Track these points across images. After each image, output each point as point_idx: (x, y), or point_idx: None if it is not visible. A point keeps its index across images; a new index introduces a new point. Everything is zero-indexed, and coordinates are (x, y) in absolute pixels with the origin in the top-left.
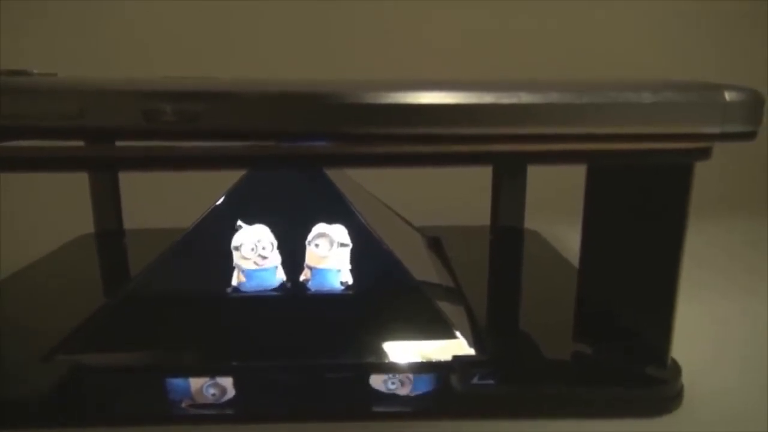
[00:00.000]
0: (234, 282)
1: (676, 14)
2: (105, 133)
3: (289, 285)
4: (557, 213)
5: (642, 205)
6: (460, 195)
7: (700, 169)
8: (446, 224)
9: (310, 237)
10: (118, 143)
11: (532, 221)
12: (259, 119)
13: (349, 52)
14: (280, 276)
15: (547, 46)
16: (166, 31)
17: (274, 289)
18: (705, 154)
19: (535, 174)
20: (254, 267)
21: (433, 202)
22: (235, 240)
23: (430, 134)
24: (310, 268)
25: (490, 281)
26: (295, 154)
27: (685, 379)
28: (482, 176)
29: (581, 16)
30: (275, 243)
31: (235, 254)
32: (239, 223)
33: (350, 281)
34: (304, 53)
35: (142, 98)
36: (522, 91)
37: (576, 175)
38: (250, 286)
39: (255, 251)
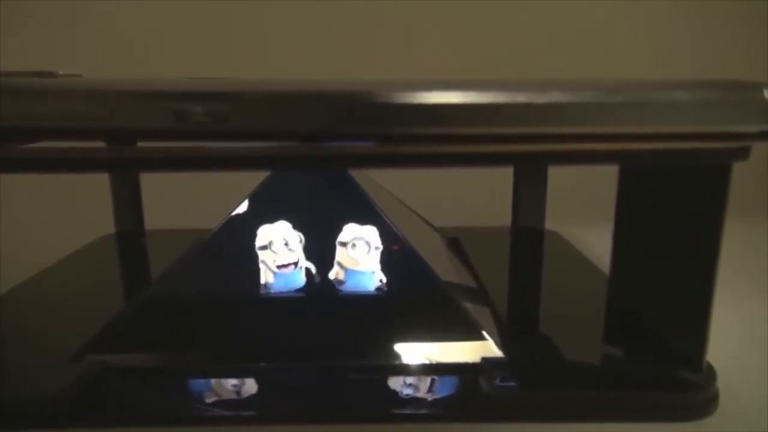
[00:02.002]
0: (262, 281)
1: (676, 14)
2: (134, 133)
3: (316, 285)
4: (576, 214)
5: (677, 206)
6: (480, 196)
7: (738, 167)
8: (466, 225)
9: (346, 238)
10: (140, 144)
11: (550, 222)
12: (289, 119)
13: (351, 52)
14: (304, 278)
15: (547, 46)
16: (164, 32)
17: (302, 291)
18: (743, 154)
19: (554, 175)
20: (284, 261)
21: (452, 203)
22: (262, 239)
23: (463, 134)
24: (344, 269)
25: (512, 282)
26: (320, 154)
27: (720, 383)
28: (501, 177)
29: (580, 17)
30: (302, 237)
31: (262, 254)
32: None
33: (383, 284)
34: (305, 54)
35: (173, 99)
36: (556, 90)
37: (595, 176)
38: (278, 286)
39: (287, 246)
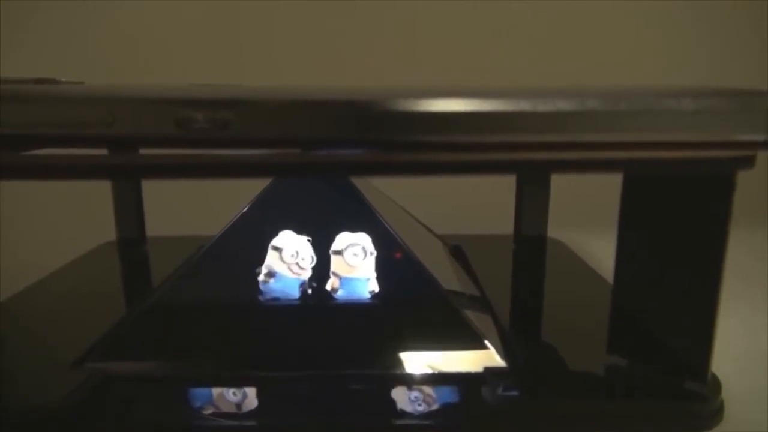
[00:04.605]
0: (261, 278)
1: (675, 15)
2: (136, 140)
3: (315, 294)
4: (579, 222)
5: (681, 214)
6: (482, 203)
7: (740, 173)
8: (468, 233)
9: (340, 246)
10: (143, 151)
11: (553, 230)
12: (291, 127)
13: (353, 58)
14: (303, 285)
15: (547, 49)
16: (167, 39)
17: (301, 298)
18: (748, 162)
19: (557, 183)
20: (288, 273)
21: (454, 210)
22: (278, 241)
23: (466, 142)
24: (339, 277)
25: (515, 291)
26: (322, 162)
27: (725, 393)
28: (504, 185)
29: (578, 18)
30: (315, 258)
31: (273, 254)
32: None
33: (377, 290)
34: (308, 60)
35: (174, 106)
36: (559, 98)
37: (598, 184)
38: (276, 288)
39: (294, 258)
